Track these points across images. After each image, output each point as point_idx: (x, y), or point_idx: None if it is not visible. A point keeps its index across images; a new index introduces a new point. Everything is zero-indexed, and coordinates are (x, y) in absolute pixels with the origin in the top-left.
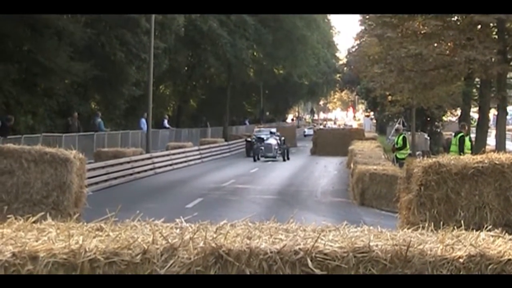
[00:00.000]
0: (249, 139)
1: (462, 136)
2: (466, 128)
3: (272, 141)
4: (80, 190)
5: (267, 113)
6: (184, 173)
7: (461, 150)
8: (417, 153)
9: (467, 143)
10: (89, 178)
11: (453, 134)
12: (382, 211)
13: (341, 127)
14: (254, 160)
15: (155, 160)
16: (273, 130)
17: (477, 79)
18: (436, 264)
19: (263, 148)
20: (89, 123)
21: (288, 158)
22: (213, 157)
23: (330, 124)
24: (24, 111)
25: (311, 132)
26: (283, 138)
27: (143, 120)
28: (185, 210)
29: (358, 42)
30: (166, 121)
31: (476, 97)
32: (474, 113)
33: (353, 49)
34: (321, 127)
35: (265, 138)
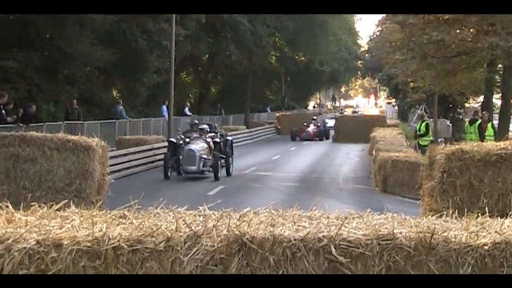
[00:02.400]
0: (173, 139)
1: (481, 123)
2: (480, 114)
3: (197, 145)
4: (103, 177)
5: (287, 100)
6: None
7: (482, 138)
8: (440, 139)
9: (490, 130)
10: (111, 165)
11: (468, 122)
12: (405, 198)
13: (352, 114)
14: (166, 177)
15: None
16: (215, 125)
17: (500, 66)
18: (461, 252)
19: (182, 157)
20: (111, 110)
21: (229, 174)
22: (234, 144)
23: (346, 112)
24: (46, 98)
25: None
26: (229, 138)
27: (164, 107)
28: (207, 197)
29: (379, 28)
30: (187, 109)
31: (498, 84)
32: (496, 100)
33: (375, 36)
34: (340, 114)
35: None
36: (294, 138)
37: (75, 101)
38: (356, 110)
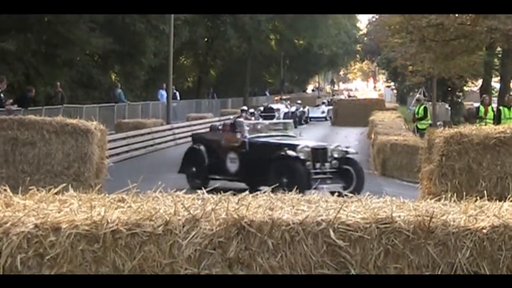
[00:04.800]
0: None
1: (498, 108)
2: (487, 99)
3: None
4: (101, 161)
5: (286, 84)
6: None
7: (497, 122)
8: (438, 123)
9: (490, 113)
10: (110, 149)
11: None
12: (403, 181)
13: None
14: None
15: (176, 131)
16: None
17: (498, 49)
18: (460, 235)
19: None
20: (110, 94)
21: None
22: None
23: (342, 96)
24: (44, 82)
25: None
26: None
27: (162, 92)
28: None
29: None
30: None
31: (497, 67)
32: (495, 83)
33: (374, 19)
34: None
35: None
36: None
37: (59, 83)
38: (352, 94)
